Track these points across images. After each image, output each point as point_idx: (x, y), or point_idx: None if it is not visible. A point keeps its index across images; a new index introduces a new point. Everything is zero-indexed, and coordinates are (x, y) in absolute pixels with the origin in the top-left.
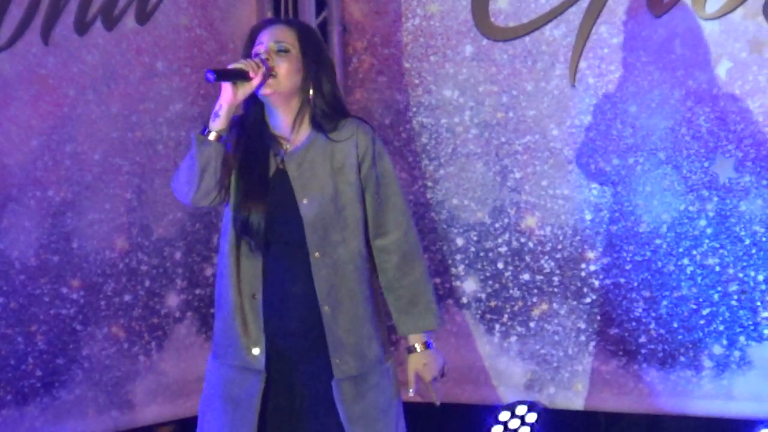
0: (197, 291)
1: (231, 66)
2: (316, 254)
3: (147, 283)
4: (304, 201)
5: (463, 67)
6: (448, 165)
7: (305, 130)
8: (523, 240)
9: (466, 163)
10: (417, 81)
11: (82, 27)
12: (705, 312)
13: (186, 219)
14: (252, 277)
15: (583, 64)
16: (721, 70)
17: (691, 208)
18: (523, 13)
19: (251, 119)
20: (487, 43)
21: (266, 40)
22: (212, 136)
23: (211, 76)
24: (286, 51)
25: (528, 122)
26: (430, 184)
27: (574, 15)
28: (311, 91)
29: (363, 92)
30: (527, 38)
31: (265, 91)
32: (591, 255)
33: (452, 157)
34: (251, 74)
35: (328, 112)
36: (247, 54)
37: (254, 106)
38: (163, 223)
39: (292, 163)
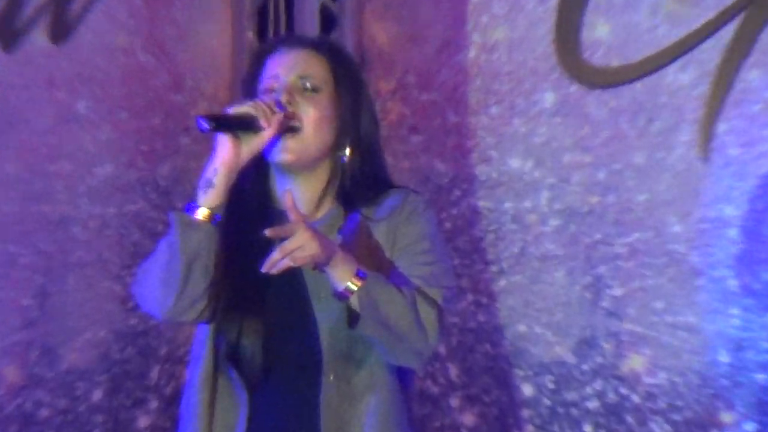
0: None
1: (233, 110)
2: (330, 377)
3: None
4: (321, 301)
5: (540, 124)
6: (514, 272)
7: (328, 203)
8: (624, 391)
9: (540, 271)
10: (470, 143)
11: None
12: None
13: (111, 340)
14: (232, 424)
15: (722, 127)
16: None
17: None
18: (632, 46)
19: (248, 190)
20: (576, 90)
21: (283, 72)
22: (203, 215)
23: (205, 124)
24: (315, 90)
25: (636, 212)
26: (484, 300)
27: (710, 53)
28: (348, 150)
29: (387, 158)
30: (638, 85)
31: (284, 157)
32: (728, 418)
33: (520, 261)
34: (263, 122)
35: (365, 180)
36: (250, 91)
37: (253, 169)
38: (76, 344)
39: None
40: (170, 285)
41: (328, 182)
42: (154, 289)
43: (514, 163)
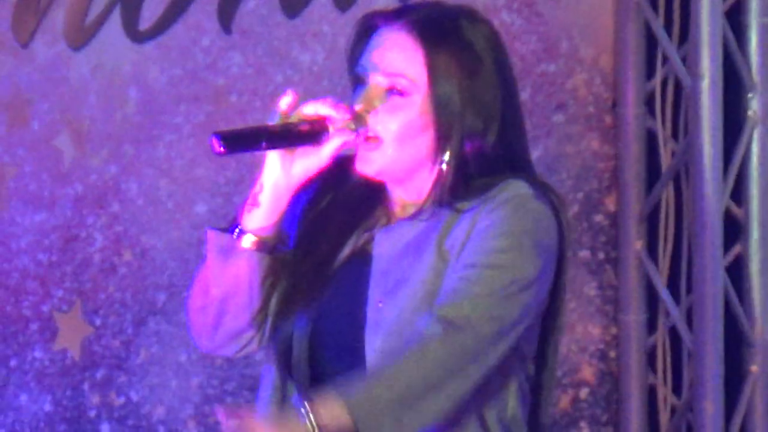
0: None
1: (303, 109)
2: None
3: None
4: (380, 305)
5: None
6: None
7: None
8: None
9: None
10: None
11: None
12: None
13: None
14: None
15: None
16: None
17: None
18: None
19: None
20: None
21: (371, 65)
22: (248, 243)
23: (218, 145)
24: (402, 93)
25: None
26: None
27: None
28: (446, 155)
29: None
30: None
31: (363, 169)
32: None
33: None
34: (332, 133)
35: (472, 173)
36: (357, 80)
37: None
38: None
39: (386, 241)
40: (205, 315)
41: (433, 187)
42: (189, 318)
43: None
